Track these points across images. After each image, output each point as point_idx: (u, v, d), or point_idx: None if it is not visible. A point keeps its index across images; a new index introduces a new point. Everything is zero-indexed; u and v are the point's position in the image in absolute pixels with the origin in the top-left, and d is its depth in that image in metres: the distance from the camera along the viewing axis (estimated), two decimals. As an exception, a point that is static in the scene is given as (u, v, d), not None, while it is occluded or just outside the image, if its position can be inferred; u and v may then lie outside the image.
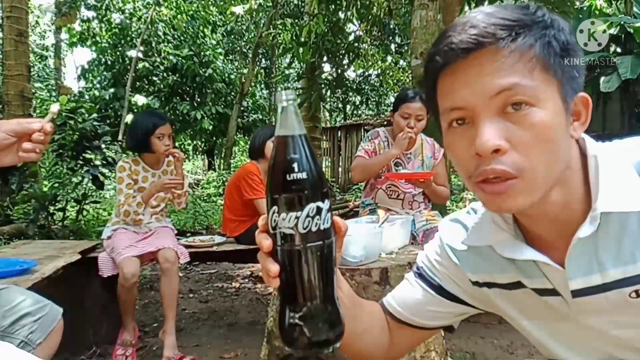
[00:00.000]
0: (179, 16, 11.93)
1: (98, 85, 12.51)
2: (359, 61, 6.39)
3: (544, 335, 0.75)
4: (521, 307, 0.75)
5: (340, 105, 19.04)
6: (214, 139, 16.16)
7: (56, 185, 4.31)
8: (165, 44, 12.25)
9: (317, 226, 0.55)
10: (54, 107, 1.11)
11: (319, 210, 0.55)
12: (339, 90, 14.26)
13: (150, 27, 11.34)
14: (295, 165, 0.54)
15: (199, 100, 12.80)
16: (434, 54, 0.64)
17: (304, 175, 0.54)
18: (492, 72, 0.58)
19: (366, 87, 16.06)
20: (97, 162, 4.07)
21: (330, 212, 0.57)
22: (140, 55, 11.07)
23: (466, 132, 0.62)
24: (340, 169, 14.09)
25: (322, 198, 0.55)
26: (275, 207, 0.55)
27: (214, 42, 13.93)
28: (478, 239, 0.74)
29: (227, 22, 13.80)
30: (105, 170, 4.11)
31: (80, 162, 4.04)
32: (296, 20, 7.77)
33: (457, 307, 0.83)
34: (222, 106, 13.38)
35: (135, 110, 9.50)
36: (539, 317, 0.74)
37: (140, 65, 11.52)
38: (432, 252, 0.85)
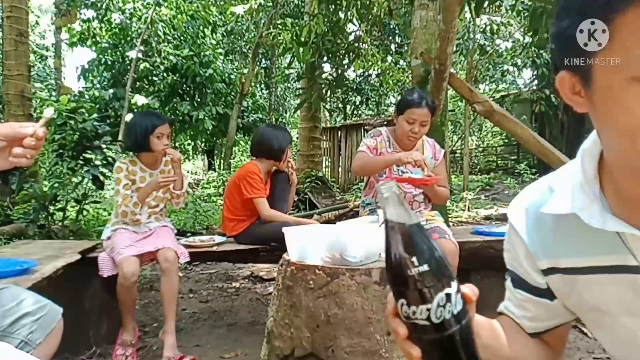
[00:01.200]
0: (179, 16, 11.95)
1: (98, 85, 12.54)
2: (359, 61, 6.36)
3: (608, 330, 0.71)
4: (586, 297, 0.71)
5: (340, 105, 19.06)
6: (214, 139, 16.17)
7: (56, 185, 4.30)
8: (165, 44, 12.26)
9: (450, 312, 0.53)
10: (47, 112, 1.06)
11: (448, 297, 0.53)
12: (339, 90, 14.26)
13: (150, 27, 11.34)
14: (415, 259, 0.53)
15: (199, 100, 12.81)
16: None
17: (425, 267, 0.53)
18: None
19: (366, 87, 16.08)
20: (97, 162, 4.07)
21: (459, 292, 0.55)
22: (140, 55, 11.07)
23: None
24: (340, 169, 14.10)
25: (449, 282, 0.54)
26: (402, 300, 0.54)
27: (214, 42, 13.95)
28: (574, 207, 0.66)
29: (227, 22, 13.81)
30: (105, 170, 4.11)
31: (81, 162, 4.04)
32: (296, 20, 7.76)
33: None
34: (222, 106, 13.40)
35: (135, 110, 9.50)
36: (608, 308, 0.69)
37: (140, 65, 11.53)
38: (512, 247, 0.79)
